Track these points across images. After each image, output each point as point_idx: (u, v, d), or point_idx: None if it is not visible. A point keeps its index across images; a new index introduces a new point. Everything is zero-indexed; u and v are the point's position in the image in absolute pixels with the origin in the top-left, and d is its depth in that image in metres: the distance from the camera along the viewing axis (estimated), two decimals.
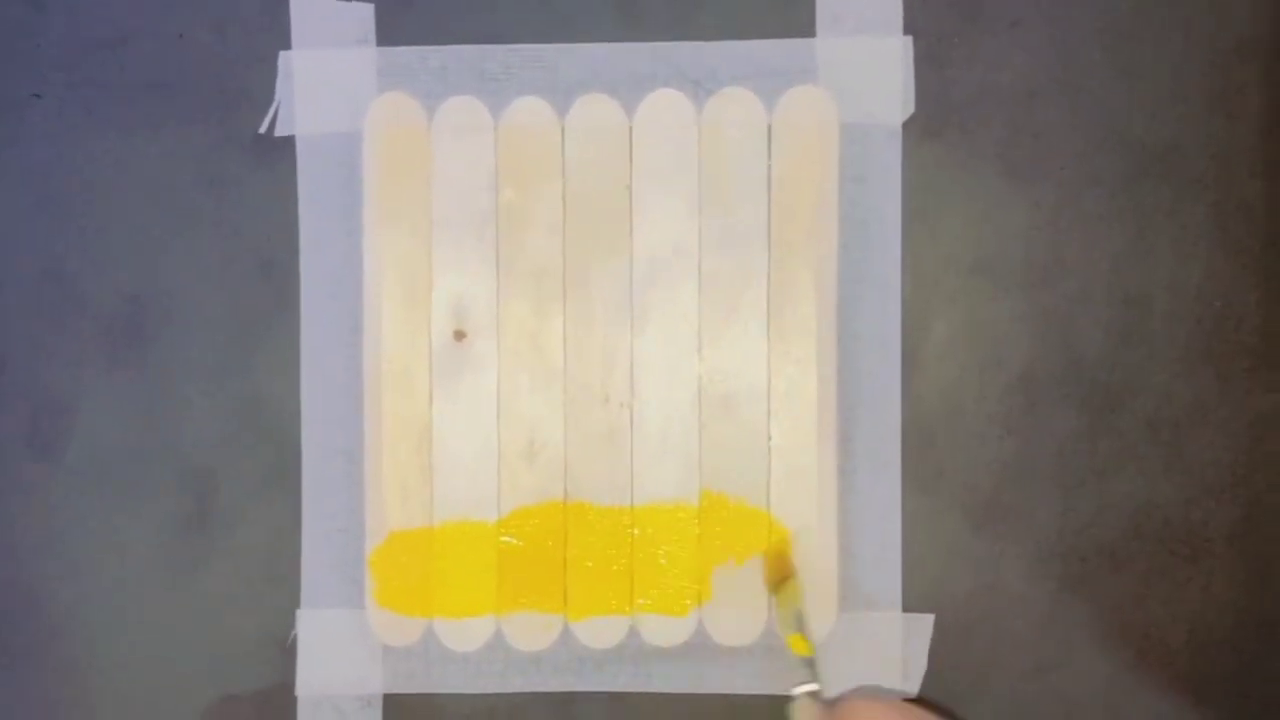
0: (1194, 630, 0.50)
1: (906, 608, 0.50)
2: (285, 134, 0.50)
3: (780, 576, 0.48)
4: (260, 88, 0.51)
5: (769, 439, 0.50)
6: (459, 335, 0.50)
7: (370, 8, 0.50)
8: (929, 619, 0.49)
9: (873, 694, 0.47)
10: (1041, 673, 0.50)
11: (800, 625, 0.46)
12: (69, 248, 0.51)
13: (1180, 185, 0.50)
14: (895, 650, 0.49)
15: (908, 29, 0.50)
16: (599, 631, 0.50)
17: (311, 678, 0.50)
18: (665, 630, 0.50)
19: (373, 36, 0.50)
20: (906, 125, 0.50)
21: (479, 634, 0.50)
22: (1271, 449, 0.50)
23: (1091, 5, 0.50)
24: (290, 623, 0.50)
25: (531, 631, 0.50)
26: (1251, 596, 0.50)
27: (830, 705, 0.45)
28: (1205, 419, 0.50)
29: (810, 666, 0.45)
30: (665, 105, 0.50)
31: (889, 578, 0.50)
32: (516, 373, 0.50)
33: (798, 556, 0.49)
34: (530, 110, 0.50)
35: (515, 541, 0.50)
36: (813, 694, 0.45)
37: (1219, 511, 0.50)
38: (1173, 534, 0.50)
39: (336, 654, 0.50)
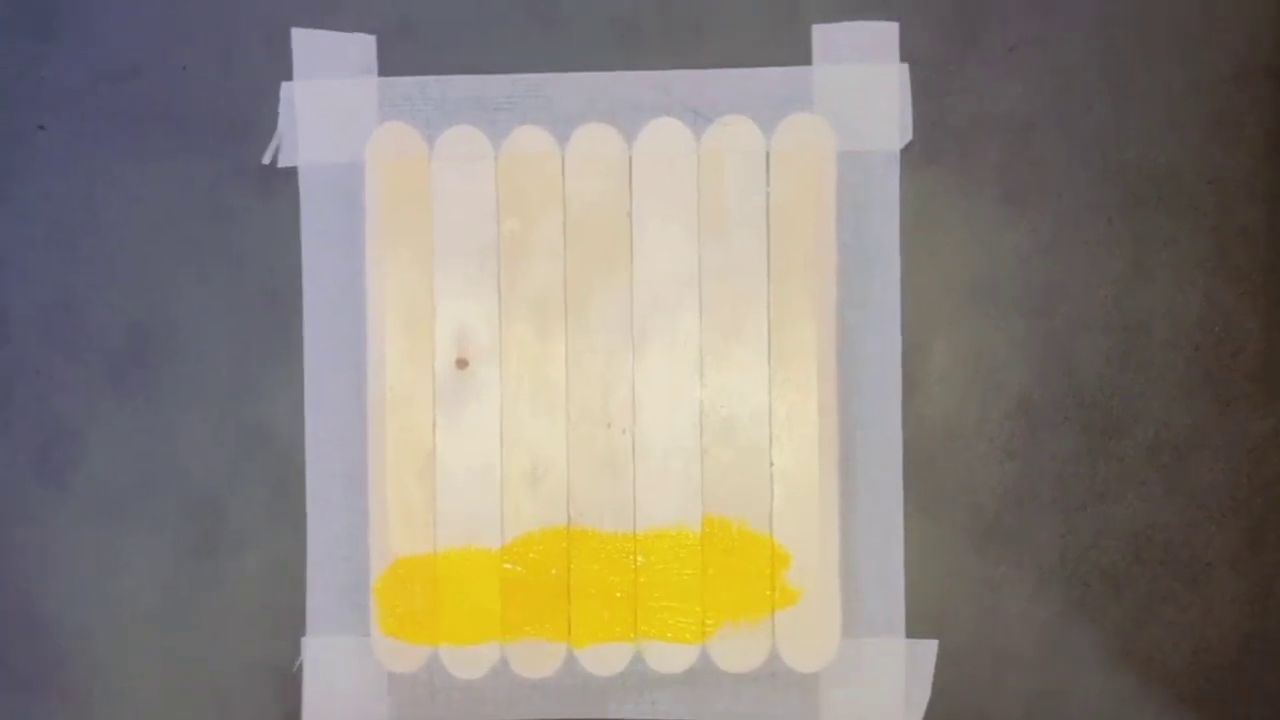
0: (1197, 653, 0.50)
1: (909, 633, 0.50)
2: (288, 164, 0.51)
3: None
4: (264, 119, 0.51)
5: (770, 464, 0.50)
6: (461, 363, 0.50)
7: (372, 39, 0.51)
8: (933, 645, 0.50)
9: None
10: (1045, 697, 0.50)
11: None
12: (76, 277, 0.52)
13: (1178, 212, 0.50)
14: (899, 677, 0.49)
15: (904, 56, 0.50)
16: (603, 658, 0.50)
17: (317, 705, 0.50)
18: (669, 657, 0.50)
19: (374, 66, 0.51)
20: (904, 152, 0.50)
21: (483, 661, 0.50)
22: (1271, 473, 0.50)
23: (1088, 32, 0.50)
24: (295, 649, 0.51)
25: (536, 659, 0.50)
26: (1254, 619, 0.50)
27: None
28: (1205, 443, 0.50)
29: None
30: (664, 133, 0.50)
31: (892, 603, 0.50)
32: (519, 399, 0.50)
33: None
34: (530, 139, 0.50)
35: (518, 568, 0.50)
36: None
37: (1220, 535, 0.50)
38: (1174, 557, 0.50)
39: (342, 681, 0.50)
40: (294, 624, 0.51)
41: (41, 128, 0.52)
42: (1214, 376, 0.50)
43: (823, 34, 0.50)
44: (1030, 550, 0.50)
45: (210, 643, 0.51)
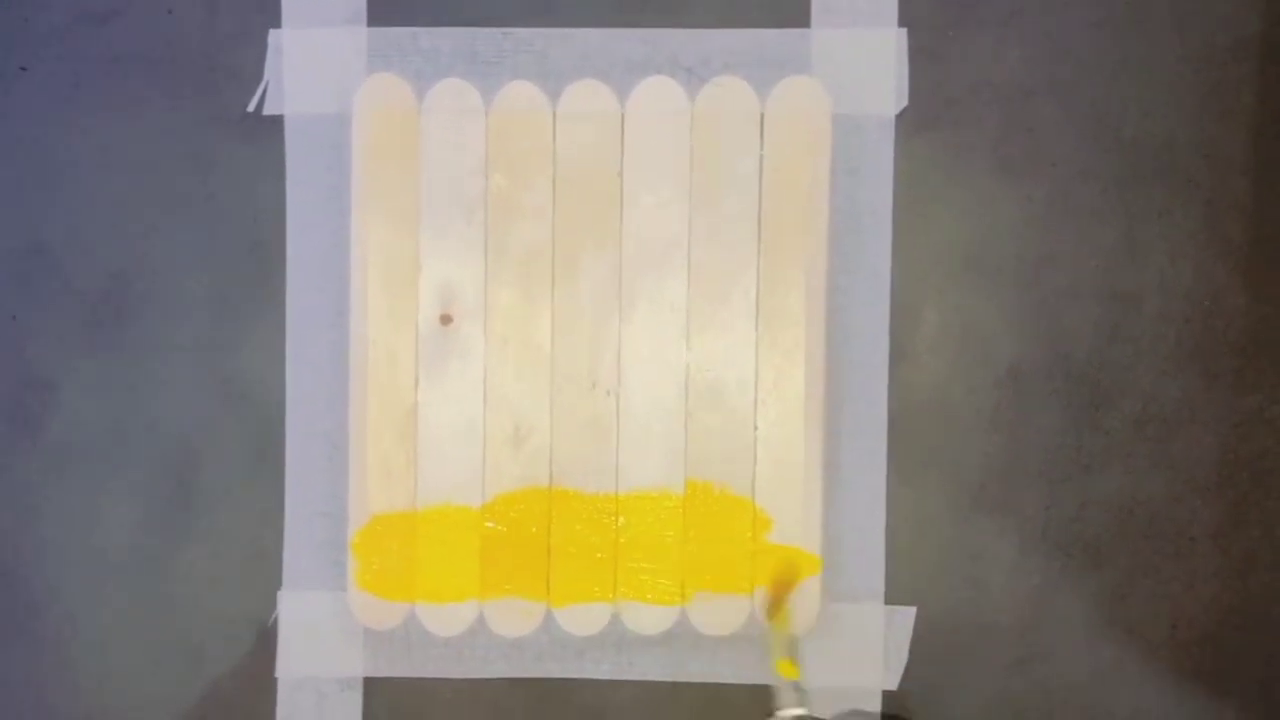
0: (1176, 626, 0.50)
1: (889, 600, 0.50)
2: (274, 113, 0.50)
3: (780, 603, 0.48)
4: (250, 66, 0.50)
5: (755, 428, 0.49)
6: (445, 319, 0.50)
7: None
8: (911, 611, 0.49)
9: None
10: (1024, 666, 0.50)
11: (791, 651, 0.46)
12: (53, 223, 0.51)
13: (1172, 184, 0.50)
14: (877, 642, 0.49)
15: (902, 21, 0.49)
16: (581, 618, 0.49)
17: (292, 659, 0.50)
18: (648, 618, 0.49)
19: (364, 16, 0.50)
20: (899, 118, 0.49)
21: (461, 619, 0.49)
22: (1256, 448, 0.50)
23: (1087, 1, 0.50)
24: (271, 604, 0.50)
25: (514, 617, 0.49)
26: (1234, 593, 0.50)
27: None
28: (1192, 417, 0.50)
29: (797, 691, 0.45)
30: (658, 92, 0.49)
31: (872, 570, 0.49)
32: (503, 358, 0.50)
33: (800, 586, 0.48)
34: (522, 95, 0.50)
35: (499, 527, 0.49)
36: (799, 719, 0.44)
37: (1203, 509, 0.50)
38: (1157, 531, 0.50)
39: (317, 636, 0.50)
40: (271, 578, 0.50)
41: (23, 69, 0.51)
42: (1202, 351, 0.50)
43: None
44: (1014, 520, 0.50)
45: (186, 595, 0.50)
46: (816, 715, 0.44)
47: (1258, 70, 0.49)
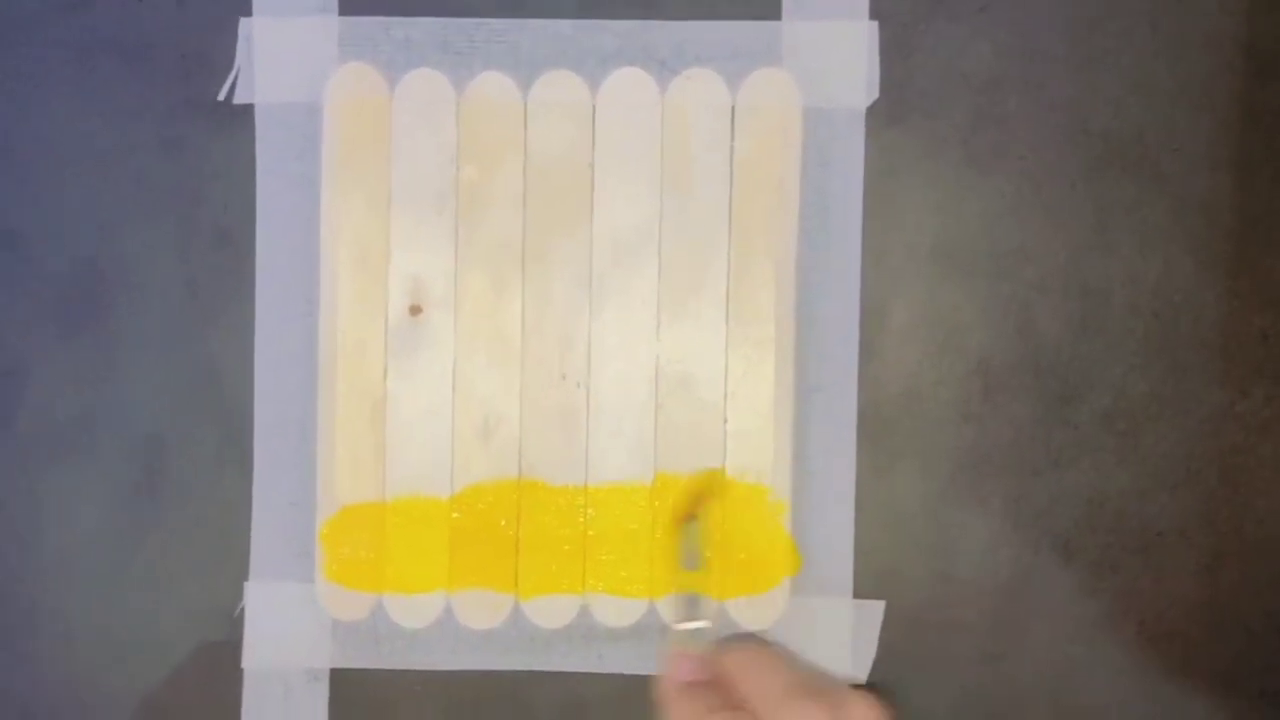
0: (1144, 622, 0.50)
1: (858, 594, 0.50)
2: (244, 102, 0.50)
3: (692, 511, 0.47)
4: (220, 54, 0.50)
5: (725, 421, 0.49)
6: (415, 310, 0.50)
7: None
8: (879, 605, 0.49)
9: (757, 641, 0.42)
10: (991, 661, 0.50)
11: (693, 561, 0.45)
12: (22, 210, 0.50)
13: (1142, 178, 0.50)
14: (845, 636, 0.49)
15: (874, 14, 0.49)
16: (550, 611, 0.49)
17: (258, 650, 0.50)
18: (616, 611, 0.49)
19: (335, 4, 0.50)
20: (870, 111, 0.49)
21: (429, 611, 0.49)
22: (1225, 444, 0.50)
23: None
24: (238, 595, 0.50)
25: (482, 609, 0.49)
26: (1202, 589, 0.50)
27: (714, 648, 0.41)
28: (1161, 412, 0.50)
29: (697, 605, 0.43)
30: (629, 84, 0.49)
31: (841, 563, 0.49)
32: (473, 349, 0.50)
33: (717, 496, 0.47)
34: (493, 85, 0.49)
35: (467, 519, 0.49)
36: (697, 631, 0.42)
37: (1172, 505, 0.50)
38: (1125, 526, 0.50)
39: (284, 627, 0.50)
40: (238, 569, 0.50)
41: None
42: (1171, 345, 0.50)
43: None
44: (983, 514, 0.50)
45: (152, 585, 0.50)
46: (716, 629, 0.43)
47: (1229, 65, 0.49)
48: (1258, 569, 0.50)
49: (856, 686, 0.48)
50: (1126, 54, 0.50)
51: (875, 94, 0.49)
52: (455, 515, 0.49)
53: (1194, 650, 0.50)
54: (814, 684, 0.36)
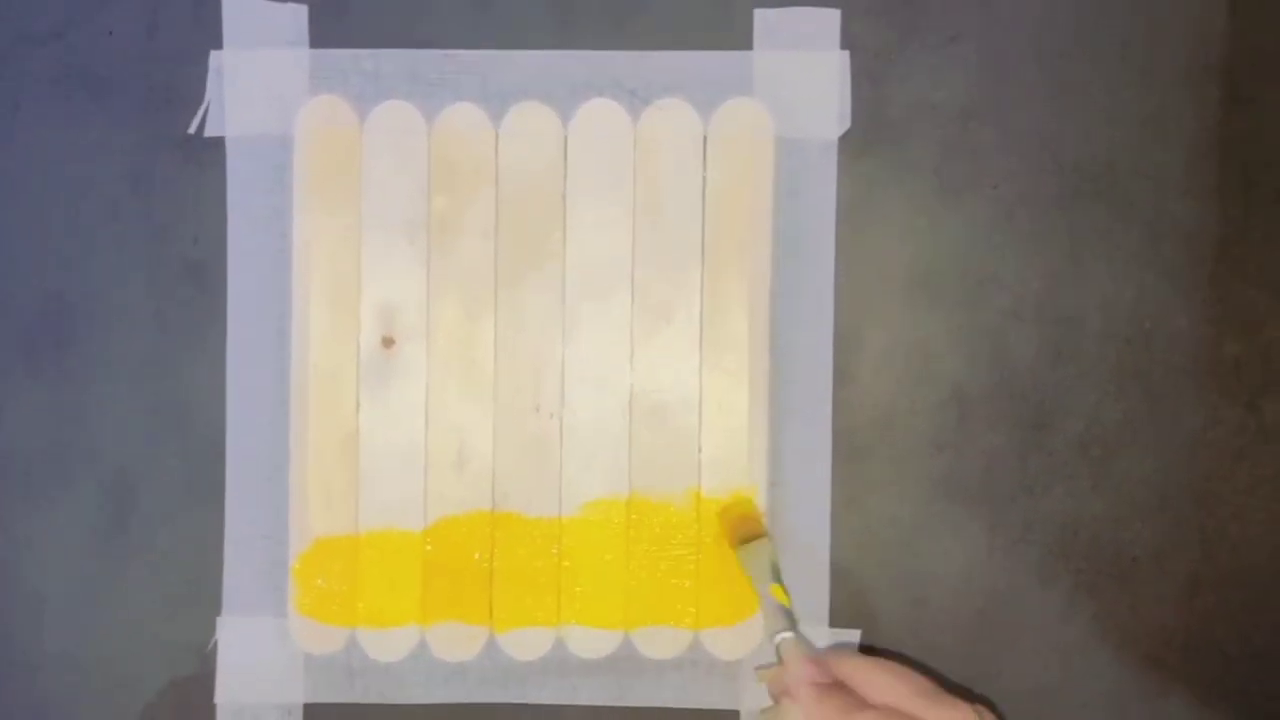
0: (1120, 648, 0.50)
1: (833, 623, 0.49)
2: (215, 134, 0.50)
3: (753, 533, 0.47)
4: (191, 87, 0.50)
5: (699, 451, 0.49)
6: (387, 342, 0.49)
7: (304, 9, 0.50)
8: (855, 634, 0.49)
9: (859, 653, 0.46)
10: (968, 688, 0.50)
11: (778, 575, 0.46)
12: None
13: (1113, 206, 0.50)
14: None
15: (845, 44, 0.49)
16: (524, 643, 0.49)
17: (231, 686, 0.49)
18: (592, 643, 0.49)
19: (306, 38, 0.50)
20: (842, 140, 0.49)
21: (403, 644, 0.49)
22: (1199, 470, 0.50)
23: (1029, 24, 0.50)
24: (211, 629, 0.50)
25: (456, 642, 0.49)
26: (1177, 615, 0.50)
27: (825, 657, 0.43)
28: (1135, 438, 0.50)
29: (789, 616, 0.45)
30: (601, 115, 0.49)
31: (817, 592, 0.49)
32: (445, 380, 0.49)
33: (762, 513, 0.49)
34: (464, 116, 0.49)
35: (441, 551, 0.49)
36: (793, 640, 0.44)
37: (1147, 531, 0.50)
38: (1100, 552, 0.50)
39: (257, 662, 0.49)
40: (210, 604, 0.50)
41: None
42: (1145, 371, 0.50)
43: (764, 19, 0.49)
44: (957, 542, 0.50)
45: (124, 621, 0.50)
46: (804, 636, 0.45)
47: (1199, 93, 0.50)
48: (1233, 594, 0.50)
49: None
50: (1097, 83, 0.50)
51: (847, 124, 0.49)
52: (429, 548, 0.49)
53: (1170, 675, 0.50)
54: (938, 690, 0.39)
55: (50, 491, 0.50)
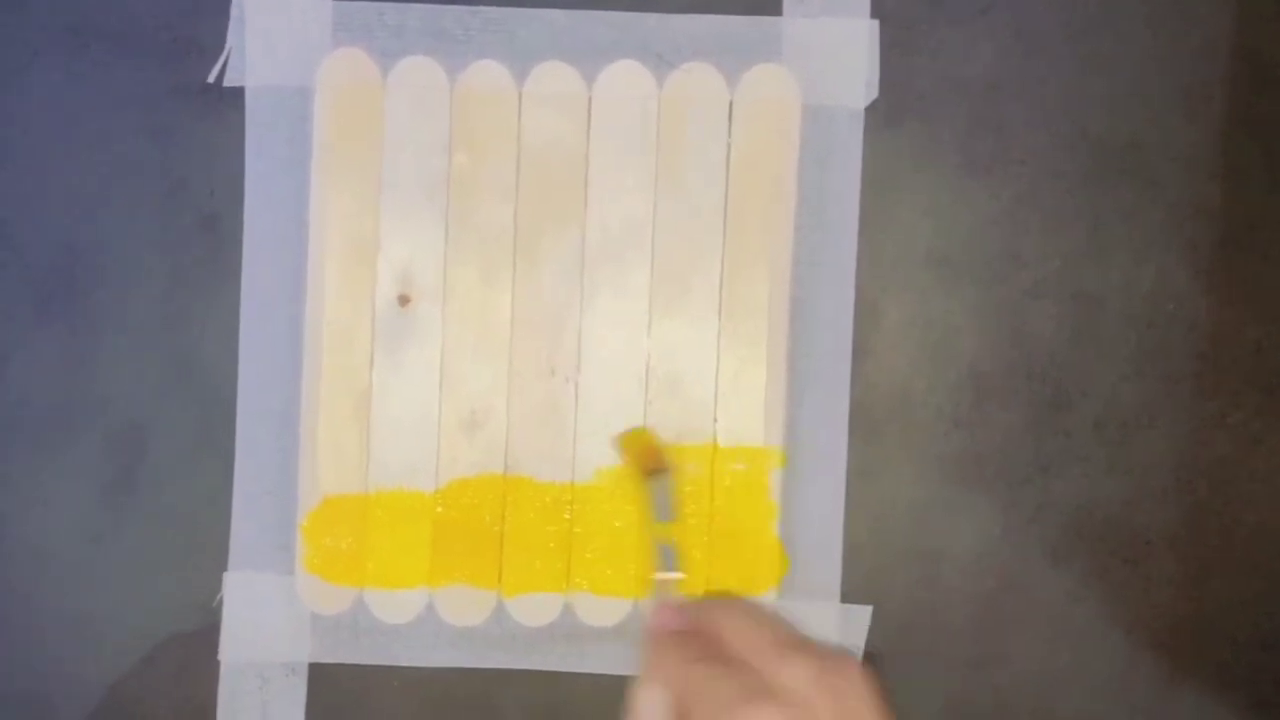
0: (1130, 631, 0.50)
1: (845, 598, 0.49)
2: (235, 84, 0.49)
3: (656, 466, 0.44)
4: (211, 36, 0.49)
5: (715, 420, 0.49)
6: (403, 300, 0.49)
7: None
8: (867, 610, 0.49)
9: (741, 598, 0.39)
10: (977, 667, 0.50)
11: (672, 515, 0.42)
12: (5, 195, 0.49)
13: (1139, 185, 0.49)
14: (831, 640, 0.49)
15: (875, 12, 0.49)
16: (533, 609, 0.49)
17: (236, 643, 0.49)
18: (600, 610, 0.49)
19: None
20: (868, 111, 0.49)
21: (410, 606, 0.49)
22: (1215, 454, 0.50)
23: None
24: (216, 586, 0.49)
25: (464, 606, 0.49)
26: (1189, 601, 0.50)
27: (698, 601, 0.39)
28: (1151, 421, 0.50)
29: (673, 558, 0.40)
30: (626, 77, 0.49)
31: (829, 567, 0.49)
32: (461, 341, 0.49)
33: (667, 453, 0.45)
34: (488, 74, 0.49)
35: (451, 513, 0.49)
36: (675, 582, 0.40)
37: (1160, 514, 0.50)
38: (1114, 535, 0.50)
39: (263, 620, 0.49)
40: (217, 560, 0.49)
41: None
42: (1164, 354, 0.49)
43: None
44: (971, 521, 0.50)
45: (129, 575, 0.49)
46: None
47: (1226, 72, 0.49)
48: (1245, 580, 0.50)
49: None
50: (1125, 60, 0.49)
51: (875, 93, 0.49)
52: (439, 510, 0.49)
53: (1180, 660, 0.50)
54: (801, 639, 0.34)
55: (58, 443, 0.49)
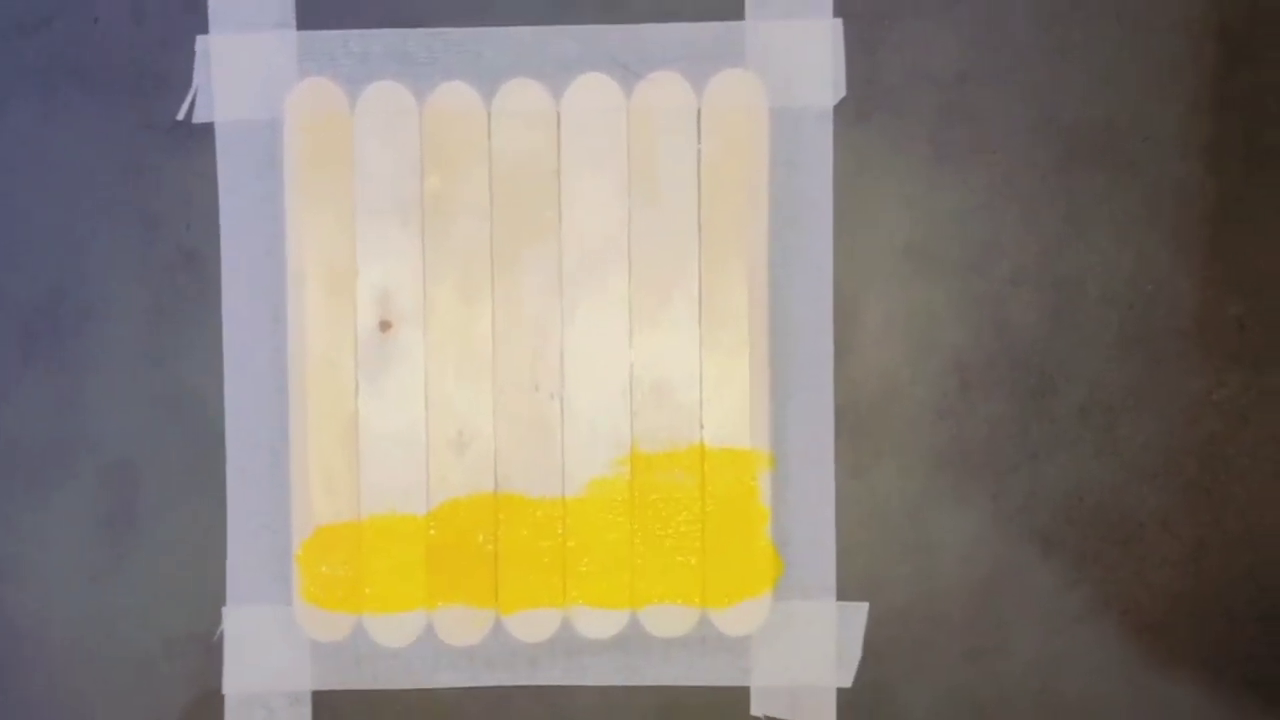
0: (1127, 614, 0.50)
1: (841, 596, 0.49)
2: (204, 120, 0.49)
3: None
4: (178, 73, 0.49)
5: (701, 427, 0.49)
6: (384, 325, 0.49)
7: None
8: (863, 607, 0.49)
9: None
10: (976, 657, 0.50)
11: None
12: None
13: (1113, 168, 0.49)
14: (830, 639, 0.49)
15: (838, 11, 0.49)
16: (531, 625, 0.49)
17: (239, 675, 0.49)
18: (598, 622, 0.49)
19: (293, 20, 0.49)
20: (837, 109, 0.49)
21: (409, 629, 0.49)
22: (1203, 433, 0.50)
23: None
24: (216, 620, 0.49)
25: (462, 626, 0.49)
26: (1183, 581, 0.50)
27: None
28: (1137, 403, 0.50)
29: None
30: (593, 89, 0.49)
31: (823, 565, 0.49)
32: (444, 363, 0.49)
33: None
34: (455, 95, 0.49)
35: (444, 535, 0.49)
36: None
37: (1152, 496, 0.50)
38: (1106, 518, 0.50)
39: (264, 651, 0.49)
40: (215, 594, 0.49)
41: None
42: (1147, 336, 0.49)
43: None
44: (963, 511, 0.50)
45: (129, 613, 0.50)
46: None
47: (1197, 51, 0.49)
48: (1239, 557, 0.50)
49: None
50: (1094, 44, 0.49)
51: (842, 92, 0.49)
52: (432, 531, 0.49)
53: (1177, 640, 0.50)
54: None
55: (52, 484, 0.50)
